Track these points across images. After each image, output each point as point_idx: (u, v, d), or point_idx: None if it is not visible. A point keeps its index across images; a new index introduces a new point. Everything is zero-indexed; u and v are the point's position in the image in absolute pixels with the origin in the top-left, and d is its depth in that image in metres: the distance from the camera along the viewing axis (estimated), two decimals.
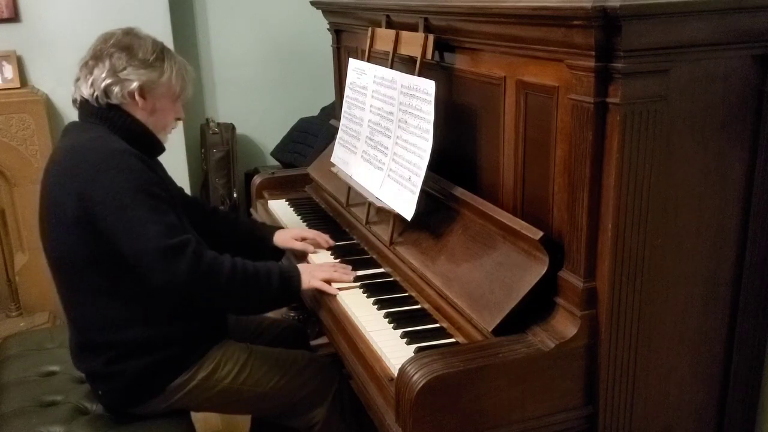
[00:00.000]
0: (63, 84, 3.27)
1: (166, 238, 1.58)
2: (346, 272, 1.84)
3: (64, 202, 1.62)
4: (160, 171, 1.80)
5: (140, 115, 1.74)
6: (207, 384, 1.74)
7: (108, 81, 1.69)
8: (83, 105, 1.74)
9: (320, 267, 1.86)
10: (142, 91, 1.72)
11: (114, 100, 1.70)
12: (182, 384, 1.72)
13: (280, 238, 2.07)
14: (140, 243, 1.57)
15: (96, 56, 1.72)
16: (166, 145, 1.84)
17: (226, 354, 1.77)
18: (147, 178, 1.63)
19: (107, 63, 1.70)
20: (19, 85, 3.17)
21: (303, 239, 2.04)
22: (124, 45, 1.72)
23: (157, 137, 1.79)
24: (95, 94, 1.70)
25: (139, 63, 1.71)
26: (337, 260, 1.96)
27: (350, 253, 2.01)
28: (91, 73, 1.71)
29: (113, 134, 1.69)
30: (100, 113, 1.71)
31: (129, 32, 1.77)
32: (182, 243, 1.60)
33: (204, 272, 1.61)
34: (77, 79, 1.75)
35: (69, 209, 1.61)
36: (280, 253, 2.09)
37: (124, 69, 1.70)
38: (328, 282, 1.79)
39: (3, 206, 3.16)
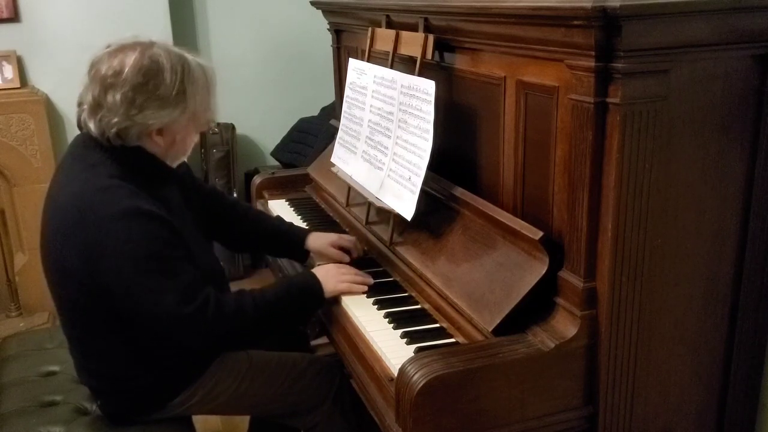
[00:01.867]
0: (63, 84, 3.28)
1: (184, 306, 1.49)
2: (367, 281, 1.80)
3: (69, 258, 1.51)
4: (174, 194, 1.68)
5: (157, 150, 1.58)
6: (208, 398, 1.71)
7: (122, 125, 1.49)
8: (91, 138, 1.54)
9: (341, 270, 1.78)
10: (161, 130, 1.54)
11: (128, 143, 1.53)
12: (182, 401, 1.69)
13: (315, 243, 1.98)
14: (157, 313, 1.49)
15: (105, 88, 1.48)
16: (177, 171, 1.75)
17: (225, 368, 1.72)
18: (161, 239, 1.49)
19: (119, 100, 1.47)
20: (19, 85, 3.18)
21: (340, 248, 1.95)
22: (140, 81, 1.47)
23: (173, 168, 1.65)
24: (106, 135, 1.51)
25: (160, 103, 1.50)
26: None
27: (350, 252, 2.01)
28: (99, 108, 1.49)
29: (125, 177, 1.51)
30: (110, 152, 1.53)
31: (145, 52, 1.50)
32: (201, 306, 1.51)
33: (230, 323, 1.56)
34: (80, 103, 1.55)
35: (74, 267, 1.50)
36: (307, 254, 2.02)
37: (141, 112, 1.49)
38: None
39: (3, 206, 3.16)
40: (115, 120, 1.49)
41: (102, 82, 1.49)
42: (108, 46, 1.55)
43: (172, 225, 1.53)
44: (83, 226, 1.47)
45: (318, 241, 1.98)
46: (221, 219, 1.99)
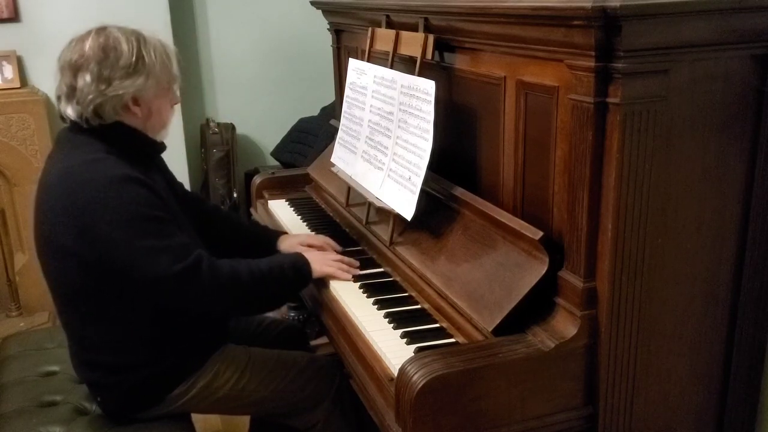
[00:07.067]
0: None
1: (180, 262, 1.53)
2: (353, 264, 1.87)
3: (62, 234, 1.54)
4: (160, 178, 1.73)
5: (137, 122, 1.64)
6: (207, 392, 1.73)
7: (97, 101, 1.56)
8: (74, 125, 1.62)
9: (328, 255, 1.88)
10: (135, 99, 1.61)
11: (107, 119, 1.59)
12: (181, 393, 1.71)
13: (285, 244, 2.02)
14: (154, 272, 1.52)
15: (74, 72, 1.57)
16: (166, 145, 1.79)
17: (225, 361, 1.75)
18: (150, 203, 1.55)
19: (87, 78, 1.56)
20: (19, 85, 3.17)
21: (310, 246, 1.98)
22: (101, 56, 1.57)
23: (157, 140, 1.71)
24: (84, 116, 1.58)
25: (123, 72, 1.57)
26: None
27: (350, 253, 2.00)
28: (73, 92, 1.57)
29: (110, 152, 1.58)
30: (94, 133, 1.60)
31: (100, 33, 1.61)
32: (196, 261, 1.56)
33: (223, 284, 1.60)
34: (58, 97, 1.62)
35: (68, 243, 1.53)
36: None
37: (110, 84, 1.56)
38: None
39: (3, 206, 3.16)
40: (90, 98, 1.56)
41: (71, 68, 1.58)
42: (70, 42, 1.64)
43: (161, 194, 1.61)
44: (73, 199, 1.52)
45: (287, 241, 2.04)
46: (201, 225, 1.94)
